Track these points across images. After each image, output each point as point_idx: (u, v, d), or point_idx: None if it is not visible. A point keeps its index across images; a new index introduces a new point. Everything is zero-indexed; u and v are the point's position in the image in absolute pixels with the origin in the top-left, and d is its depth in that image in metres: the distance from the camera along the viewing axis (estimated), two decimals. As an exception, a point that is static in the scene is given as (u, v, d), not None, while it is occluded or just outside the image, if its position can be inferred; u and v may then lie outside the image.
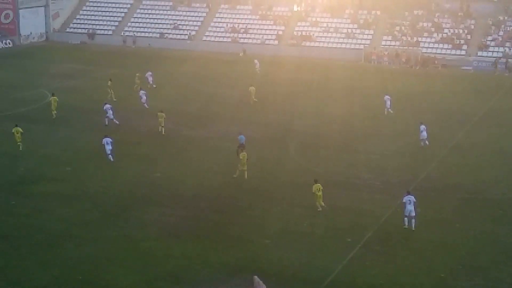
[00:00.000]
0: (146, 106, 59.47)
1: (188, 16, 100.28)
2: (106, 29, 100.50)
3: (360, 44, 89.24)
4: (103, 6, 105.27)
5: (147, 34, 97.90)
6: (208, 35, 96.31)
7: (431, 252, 33.56)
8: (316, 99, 65.25)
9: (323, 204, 38.14)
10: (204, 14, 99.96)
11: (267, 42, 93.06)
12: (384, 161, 47.12)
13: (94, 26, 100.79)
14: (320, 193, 38.20)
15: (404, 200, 36.25)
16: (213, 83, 70.80)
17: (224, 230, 35.60)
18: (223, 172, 43.98)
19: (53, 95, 58.03)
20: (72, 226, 35.75)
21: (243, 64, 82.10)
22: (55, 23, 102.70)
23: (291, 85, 70.68)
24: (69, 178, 42.83)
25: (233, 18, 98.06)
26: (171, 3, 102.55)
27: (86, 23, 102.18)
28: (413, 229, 35.67)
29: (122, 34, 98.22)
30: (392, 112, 59.01)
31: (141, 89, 62.37)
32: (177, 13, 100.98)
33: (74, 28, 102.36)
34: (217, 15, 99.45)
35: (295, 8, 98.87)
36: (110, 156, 45.87)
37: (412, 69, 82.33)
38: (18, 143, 47.69)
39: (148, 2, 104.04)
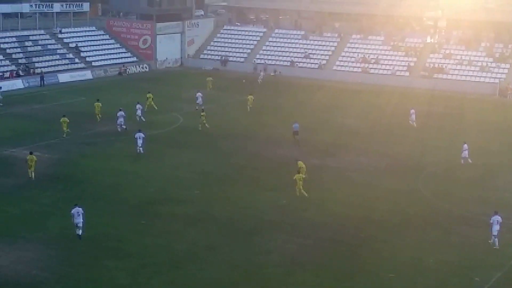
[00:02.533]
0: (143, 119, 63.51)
1: (319, 45, 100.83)
2: (238, 56, 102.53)
3: (495, 78, 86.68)
4: (236, 34, 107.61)
5: (277, 62, 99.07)
6: (338, 65, 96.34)
7: None
8: (447, 132, 63.77)
9: (303, 192, 43.90)
10: (336, 44, 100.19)
11: (397, 73, 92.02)
12: (517, 199, 45.38)
13: (226, 53, 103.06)
14: (301, 181, 44.11)
15: (491, 221, 37.35)
16: (342, 113, 70.57)
17: (347, 262, 35.22)
18: (348, 202, 43.65)
19: (97, 100, 64.64)
20: (197, 248, 36.37)
21: (373, 94, 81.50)
22: (190, 49, 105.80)
23: (421, 117, 69.38)
24: (196, 200, 43.69)
25: (364, 48, 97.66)
26: (302, 32, 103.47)
27: (219, 50, 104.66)
28: (497, 247, 36.82)
29: (253, 61, 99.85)
30: (415, 125, 64.17)
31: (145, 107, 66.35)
32: (308, 42, 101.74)
33: (207, 54, 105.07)
34: (348, 44, 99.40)
35: (428, 40, 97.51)
36: (140, 149, 53.01)
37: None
38: (66, 131, 56.85)
39: (280, 31, 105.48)
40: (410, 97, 79.88)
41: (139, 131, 54.01)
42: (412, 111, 66.13)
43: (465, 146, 53.07)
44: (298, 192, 44.22)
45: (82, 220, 37.21)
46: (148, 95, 69.47)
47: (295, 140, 57.31)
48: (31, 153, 47.55)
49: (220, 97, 76.39)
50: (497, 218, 37.33)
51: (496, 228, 37.14)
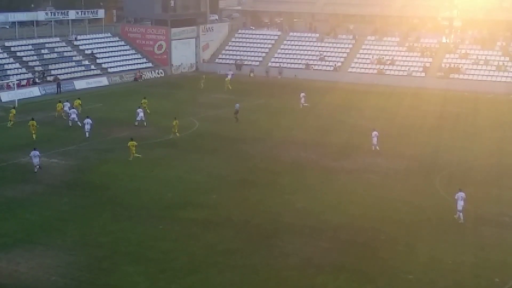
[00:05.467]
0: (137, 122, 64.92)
1: (334, 47, 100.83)
2: (253, 60, 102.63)
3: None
4: (251, 38, 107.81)
5: (293, 65, 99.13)
6: (353, 67, 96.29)
7: None
8: (463, 132, 63.60)
9: (136, 154, 52.37)
10: (350, 46, 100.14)
11: (413, 74, 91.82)
12: (536, 198, 45.13)
13: (241, 57, 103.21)
14: (134, 148, 52.33)
15: (456, 197, 40.64)
16: (357, 115, 70.56)
17: (366, 264, 35.15)
18: (366, 204, 43.60)
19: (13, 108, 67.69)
20: (216, 252, 36.41)
21: (388, 96, 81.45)
22: (205, 54, 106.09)
23: (437, 118, 69.35)
24: (214, 205, 43.75)
25: (379, 50, 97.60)
26: (317, 35, 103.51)
27: (234, 54, 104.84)
28: (462, 221, 40.06)
29: (268, 65, 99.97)
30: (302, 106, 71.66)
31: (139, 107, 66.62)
32: (323, 44, 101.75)
33: (222, 59, 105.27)
34: (363, 46, 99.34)
35: (444, 40, 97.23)
36: (87, 133, 59.47)
37: None
38: (33, 134, 58.42)
39: (294, 34, 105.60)
40: (426, 98, 79.87)
41: (88, 117, 60.67)
42: (302, 94, 73.98)
43: (375, 133, 56.34)
44: (131, 156, 52.30)
45: (38, 160, 49.48)
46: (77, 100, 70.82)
47: (235, 118, 66.26)
48: (32, 119, 59.47)
49: (235, 101, 76.43)
50: (461, 194, 40.57)
51: (460, 203, 40.35)
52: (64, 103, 68.80)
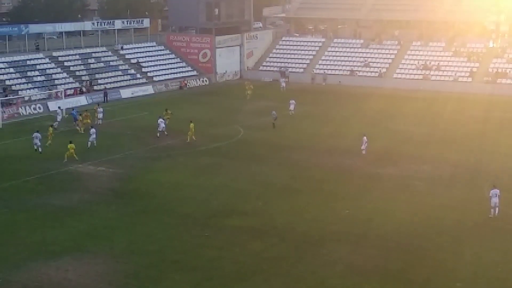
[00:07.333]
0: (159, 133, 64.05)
1: (379, 53, 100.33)
2: (297, 67, 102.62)
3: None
4: (295, 45, 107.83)
5: (337, 72, 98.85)
6: (398, 72, 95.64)
7: None
8: (510, 138, 62.64)
9: (76, 157, 54.83)
10: (396, 51, 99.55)
11: (460, 79, 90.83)
12: None
13: (286, 64, 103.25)
14: (72, 150, 54.58)
15: (490, 194, 41.40)
16: (402, 121, 70.08)
17: (413, 271, 34.82)
18: (411, 211, 43.21)
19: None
20: (262, 260, 36.41)
21: (433, 101, 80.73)
22: (249, 61, 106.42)
23: (483, 123, 68.50)
24: (260, 212, 43.79)
25: (425, 55, 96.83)
26: (362, 41, 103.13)
27: (278, 62, 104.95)
28: (496, 215, 41.09)
29: (313, 71, 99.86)
30: (292, 113, 72.92)
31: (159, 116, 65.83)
32: (368, 50, 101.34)
33: (266, 66, 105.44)
34: (408, 52, 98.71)
35: (491, 45, 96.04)
36: (89, 142, 60.09)
37: None
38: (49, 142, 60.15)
39: (339, 41, 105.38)
40: (472, 103, 78.96)
41: (92, 127, 62.41)
42: (292, 101, 74.00)
43: (364, 138, 56.89)
44: (66, 157, 54.84)
45: (39, 142, 57.07)
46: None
47: (273, 124, 67.33)
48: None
49: (279, 109, 76.50)
50: (496, 191, 41.29)
51: (494, 200, 41.16)
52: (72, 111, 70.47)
